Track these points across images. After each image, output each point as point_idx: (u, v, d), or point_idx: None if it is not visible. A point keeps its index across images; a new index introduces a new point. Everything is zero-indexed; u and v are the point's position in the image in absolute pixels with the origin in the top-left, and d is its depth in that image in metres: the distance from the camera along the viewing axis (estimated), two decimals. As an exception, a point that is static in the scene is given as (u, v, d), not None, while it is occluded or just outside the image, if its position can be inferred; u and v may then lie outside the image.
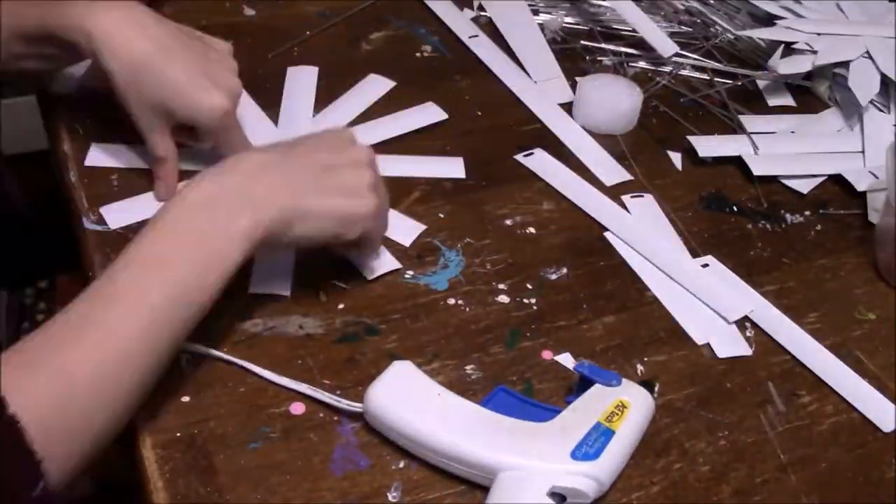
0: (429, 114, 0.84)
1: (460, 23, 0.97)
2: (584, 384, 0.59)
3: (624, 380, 0.58)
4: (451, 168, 0.79)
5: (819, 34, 0.94)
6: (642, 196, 0.79)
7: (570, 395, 0.60)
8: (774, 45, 0.95)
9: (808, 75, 0.95)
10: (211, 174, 0.58)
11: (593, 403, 0.57)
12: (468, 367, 0.63)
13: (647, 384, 0.62)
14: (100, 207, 0.68)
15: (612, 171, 0.82)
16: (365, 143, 0.65)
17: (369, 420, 0.57)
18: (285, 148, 0.62)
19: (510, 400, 0.58)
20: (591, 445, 0.54)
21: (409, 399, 0.56)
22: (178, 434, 0.55)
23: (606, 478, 0.54)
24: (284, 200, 0.58)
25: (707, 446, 0.61)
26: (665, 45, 0.94)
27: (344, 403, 0.57)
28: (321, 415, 0.58)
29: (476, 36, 0.96)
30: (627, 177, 0.81)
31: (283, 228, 0.58)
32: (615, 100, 0.86)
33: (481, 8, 1.00)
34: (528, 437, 0.54)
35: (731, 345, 0.67)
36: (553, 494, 0.52)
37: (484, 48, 0.94)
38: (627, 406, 0.57)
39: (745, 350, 0.67)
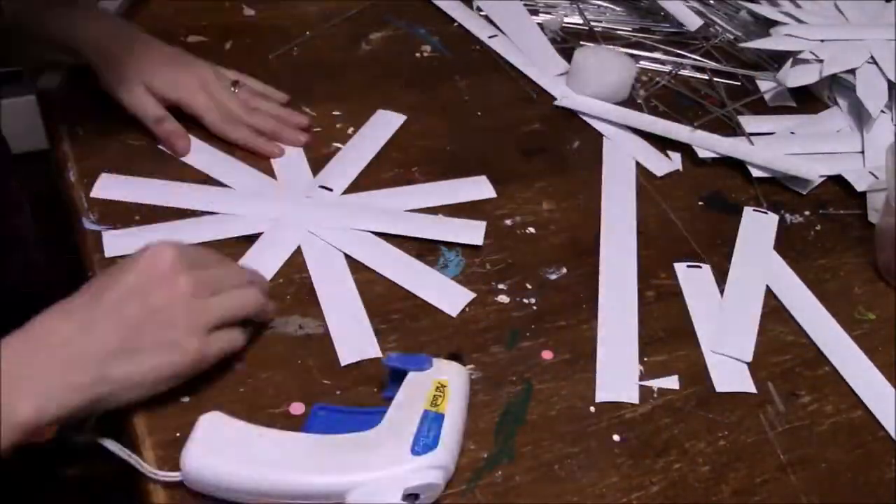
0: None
1: (477, 23, 0.98)
2: (396, 375, 0.57)
3: (433, 359, 0.58)
4: (478, 189, 0.77)
5: (822, 41, 0.94)
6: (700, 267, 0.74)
7: (385, 389, 0.59)
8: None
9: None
10: (7, 339, 0.49)
11: (414, 392, 0.55)
12: (468, 368, 0.62)
13: (455, 357, 0.62)
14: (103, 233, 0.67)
15: (656, 161, 0.85)
16: (185, 267, 0.54)
17: (192, 486, 0.51)
18: (89, 302, 0.52)
19: (331, 416, 0.56)
20: (427, 435, 0.53)
21: (228, 450, 0.51)
22: (178, 434, 0.55)
23: (450, 462, 0.53)
24: (83, 379, 0.49)
25: (707, 446, 0.61)
26: (690, 20, 0.99)
27: (160, 475, 0.52)
28: (321, 415, 0.58)
29: (495, 35, 0.96)
30: (673, 167, 0.84)
31: (88, 406, 0.50)
32: (608, 69, 0.89)
33: (479, 9, 1.00)
34: (364, 448, 0.52)
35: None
36: (407, 496, 0.51)
37: (503, 47, 0.95)
38: (446, 384, 0.56)
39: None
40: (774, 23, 0.99)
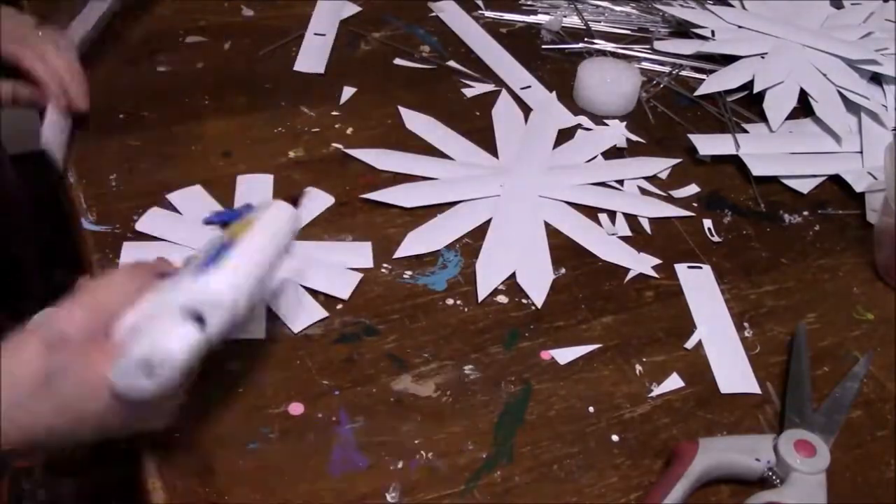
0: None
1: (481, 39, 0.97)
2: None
3: (264, 203, 0.55)
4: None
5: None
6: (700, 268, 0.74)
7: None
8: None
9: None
10: None
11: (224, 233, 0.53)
12: (467, 368, 0.63)
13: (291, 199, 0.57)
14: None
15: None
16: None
17: None
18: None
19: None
20: (214, 260, 0.50)
21: None
22: (177, 434, 0.55)
23: (237, 280, 0.49)
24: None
25: (706, 446, 0.61)
26: None
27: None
28: (320, 415, 0.58)
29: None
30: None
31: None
32: (614, 81, 0.88)
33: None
34: (167, 288, 0.50)
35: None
36: (194, 320, 0.48)
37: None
38: (255, 219, 0.53)
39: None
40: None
